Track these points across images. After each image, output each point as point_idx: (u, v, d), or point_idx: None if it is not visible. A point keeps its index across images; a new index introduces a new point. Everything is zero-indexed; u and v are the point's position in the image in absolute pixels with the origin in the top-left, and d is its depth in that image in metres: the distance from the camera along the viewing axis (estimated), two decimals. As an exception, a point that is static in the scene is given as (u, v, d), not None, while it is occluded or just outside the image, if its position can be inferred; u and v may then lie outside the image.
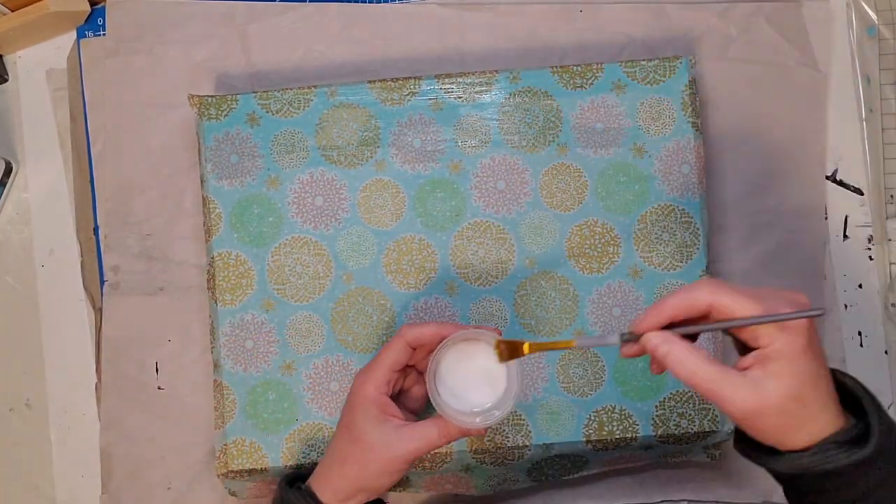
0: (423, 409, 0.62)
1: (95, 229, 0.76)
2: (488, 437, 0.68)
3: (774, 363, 0.48)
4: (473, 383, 0.58)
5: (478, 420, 0.57)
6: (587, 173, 0.70)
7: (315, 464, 0.68)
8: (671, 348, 0.49)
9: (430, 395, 0.57)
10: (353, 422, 0.58)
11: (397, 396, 0.61)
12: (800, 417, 0.48)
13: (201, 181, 0.71)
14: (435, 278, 0.69)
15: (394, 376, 0.59)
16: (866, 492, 0.48)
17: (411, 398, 0.62)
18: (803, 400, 0.48)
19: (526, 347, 0.56)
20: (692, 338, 0.52)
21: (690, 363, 0.49)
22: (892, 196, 0.75)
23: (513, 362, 0.57)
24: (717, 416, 0.67)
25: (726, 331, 0.50)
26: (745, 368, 0.49)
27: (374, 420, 0.57)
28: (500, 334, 0.58)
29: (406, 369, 0.61)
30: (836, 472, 0.48)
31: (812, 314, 0.47)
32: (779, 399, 0.47)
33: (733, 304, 0.48)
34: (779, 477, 0.52)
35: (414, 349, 0.59)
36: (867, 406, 0.49)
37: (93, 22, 0.77)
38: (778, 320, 0.47)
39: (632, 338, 0.51)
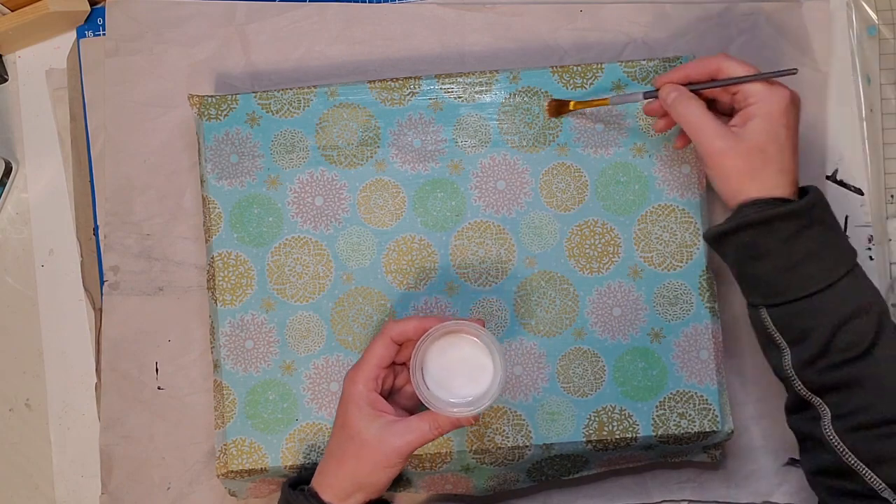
0: (417, 407, 0.62)
1: (95, 229, 0.76)
2: (488, 437, 0.68)
3: (753, 119, 0.59)
4: (458, 373, 0.59)
5: (466, 409, 0.57)
6: (587, 173, 0.70)
7: (315, 464, 0.68)
8: (679, 95, 0.61)
9: (415, 387, 0.58)
10: (346, 420, 0.59)
11: (391, 394, 0.62)
12: (758, 168, 0.58)
13: (201, 181, 0.71)
14: (435, 278, 0.69)
15: (382, 373, 0.60)
16: (798, 260, 0.56)
17: (404, 395, 0.63)
18: (766, 154, 0.58)
19: (571, 105, 0.68)
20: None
21: (689, 107, 0.60)
22: (892, 196, 0.75)
23: (497, 350, 0.58)
24: (717, 416, 0.67)
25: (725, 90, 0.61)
26: (733, 126, 0.60)
27: (366, 417, 0.58)
28: (484, 325, 0.59)
29: (396, 367, 0.62)
30: (772, 224, 0.56)
31: (784, 72, 0.59)
32: (746, 145, 0.58)
33: (736, 67, 0.60)
34: (725, 245, 0.60)
35: (400, 345, 0.60)
36: (811, 190, 0.58)
37: (92, 22, 0.77)
38: (762, 77, 0.59)
39: (653, 95, 0.64)
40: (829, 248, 0.57)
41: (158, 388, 0.74)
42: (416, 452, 0.68)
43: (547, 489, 0.73)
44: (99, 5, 0.77)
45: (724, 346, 0.69)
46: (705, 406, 0.67)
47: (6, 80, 0.79)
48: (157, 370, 0.74)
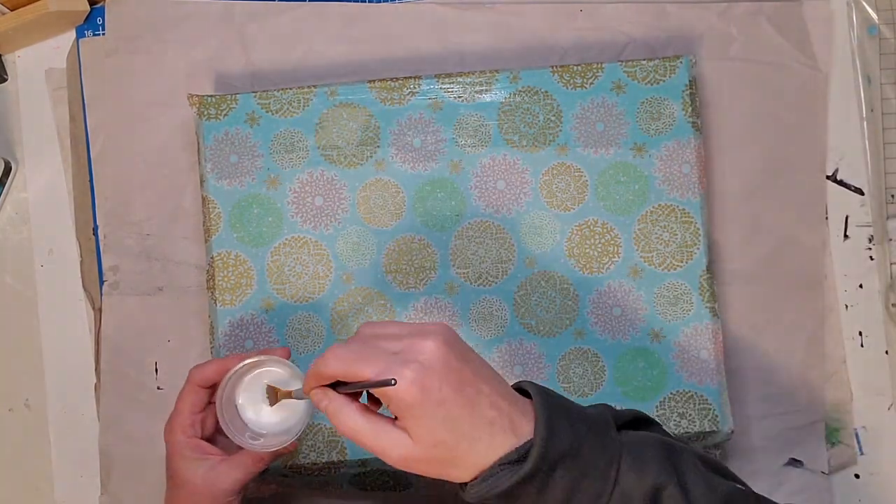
0: None
1: (95, 229, 0.76)
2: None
3: (405, 421, 0.48)
4: (263, 406, 0.61)
5: (275, 440, 0.60)
6: (587, 173, 0.70)
7: (315, 464, 0.68)
8: (330, 405, 0.51)
9: (222, 426, 0.59)
10: (174, 470, 0.61)
11: (218, 434, 0.63)
12: (449, 459, 0.49)
13: (201, 181, 0.71)
14: (435, 278, 0.69)
15: (197, 418, 0.61)
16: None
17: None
18: (445, 445, 0.48)
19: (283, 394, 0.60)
20: (359, 394, 0.52)
21: (351, 422, 0.50)
22: (892, 196, 0.75)
23: (296, 378, 0.60)
24: (717, 415, 0.67)
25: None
26: (396, 418, 0.49)
27: (192, 462, 0.60)
28: (289, 355, 0.61)
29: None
30: (512, 494, 0.48)
31: (381, 383, 0.47)
32: (420, 450, 0.48)
33: (352, 373, 0.49)
34: None
35: (210, 387, 0.61)
36: (538, 419, 0.48)
37: (92, 21, 0.77)
38: (361, 388, 0.49)
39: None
40: (581, 483, 0.48)
41: (158, 388, 0.74)
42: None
43: (547, 489, 0.73)
44: (98, 5, 0.77)
45: (724, 346, 0.69)
46: (705, 406, 0.67)
47: (6, 80, 0.79)
48: (156, 370, 0.74)
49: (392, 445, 0.49)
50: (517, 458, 0.48)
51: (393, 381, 0.47)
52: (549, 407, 0.49)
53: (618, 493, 0.48)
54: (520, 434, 0.49)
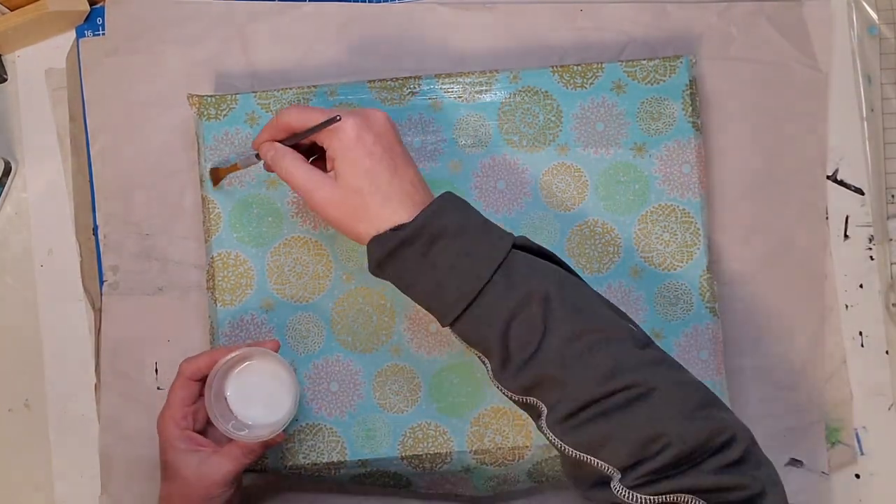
0: None
1: (95, 229, 0.76)
2: (488, 437, 0.68)
3: (336, 162, 0.57)
4: (259, 396, 0.63)
5: (262, 431, 0.61)
6: (587, 173, 0.70)
7: (315, 464, 0.68)
8: (275, 152, 0.60)
9: (211, 418, 0.60)
10: (166, 462, 0.62)
11: (210, 429, 0.64)
12: (361, 209, 0.56)
13: (201, 181, 0.71)
14: (435, 278, 0.69)
15: (189, 411, 0.63)
16: (440, 279, 0.54)
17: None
18: (361, 193, 0.56)
19: (221, 172, 0.68)
20: (310, 154, 0.62)
21: (289, 165, 0.59)
22: (893, 196, 0.75)
23: (286, 371, 0.62)
24: (717, 416, 0.67)
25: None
26: (330, 172, 0.58)
27: (184, 454, 0.61)
28: (278, 347, 0.63)
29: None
30: (396, 255, 0.55)
31: (327, 122, 0.56)
32: (340, 193, 0.57)
33: (296, 115, 0.59)
34: (384, 280, 0.58)
35: (201, 380, 0.62)
36: (432, 202, 0.56)
37: (92, 21, 0.77)
38: (308, 134, 0.58)
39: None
40: (465, 256, 0.54)
41: (158, 388, 0.74)
42: (415, 453, 0.68)
43: (547, 490, 0.73)
44: (98, 5, 0.77)
45: (724, 346, 0.69)
46: (705, 406, 0.67)
47: (5, 80, 0.79)
48: (156, 370, 0.74)
49: (318, 187, 0.57)
50: (398, 236, 0.55)
51: (338, 118, 0.56)
52: (449, 200, 0.57)
53: (496, 282, 0.54)
54: (413, 213, 0.56)
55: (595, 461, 0.50)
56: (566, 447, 0.52)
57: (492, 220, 0.69)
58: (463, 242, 0.55)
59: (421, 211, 0.55)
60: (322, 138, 0.58)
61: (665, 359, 0.54)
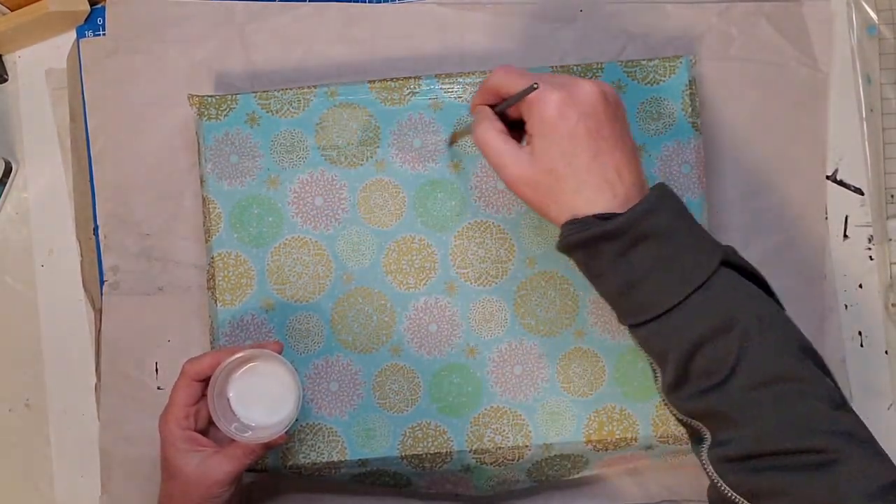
0: None
1: (95, 229, 0.76)
2: (488, 437, 0.68)
3: (534, 139, 0.53)
4: (262, 397, 0.63)
5: (261, 433, 0.61)
6: (587, 173, 0.70)
7: (314, 464, 0.68)
8: (475, 118, 0.56)
9: (213, 418, 0.60)
10: (167, 461, 0.62)
11: (211, 429, 0.64)
12: (554, 191, 0.52)
13: (201, 181, 0.71)
14: (435, 278, 0.69)
15: (191, 411, 0.62)
16: (635, 280, 0.51)
17: None
18: (556, 174, 0.52)
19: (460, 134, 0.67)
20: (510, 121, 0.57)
21: (483, 133, 0.55)
22: (892, 196, 0.75)
23: (289, 373, 0.62)
24: (717, 416, 0.67)
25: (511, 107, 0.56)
26: (527, 148, 0.54)
27: (185, 454, 0.61)
28: (281, 349, 0.63)
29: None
30: (593, 246, 0.51)
31: (526, 91, 0.52)
32: (533, 171, 0.52)
33: (509, 84, 0.54)
34: (570, 255, 0.54)
35: (203, 381, 0.62)
36: (646, 197, 0.51)
37: (92, 21, 0.77)
38: (511, 103, 0.54)
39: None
40: (668, 265, 0.50)
41: (158, 388, 0.74)
42: (415, 452, 0.68)
43: (547, 489, 0.73)
44: (99, 5, 0.77)
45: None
46: (705, 406, 0.67)
47: (6, 80, 0.79)
48: (156, 370, 0.74)
49: (512, 162, 0.53)
50: (611, 219, 0.51)
51: (536, 85, 0.52)
52: (664, 198, 0.52)
53: (695, 301, 0.50)
54: (624, 204, 0.51)
55: None
56: (723, 484, 0.49)
57: (492, 220, 0.70)
58: (668, 249, 0.50)
59: (633, 207, 0.51)
60: (523, 110, 0.53)
61: (858, 428, 0.50)
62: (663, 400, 0.54)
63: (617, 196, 0.51)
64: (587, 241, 0.51)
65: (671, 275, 0.50)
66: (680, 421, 0.53)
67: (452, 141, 0.69)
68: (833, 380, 0.51)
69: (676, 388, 0.51)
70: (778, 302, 0.54)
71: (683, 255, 0.51)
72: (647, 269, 0.50)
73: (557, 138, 0.51)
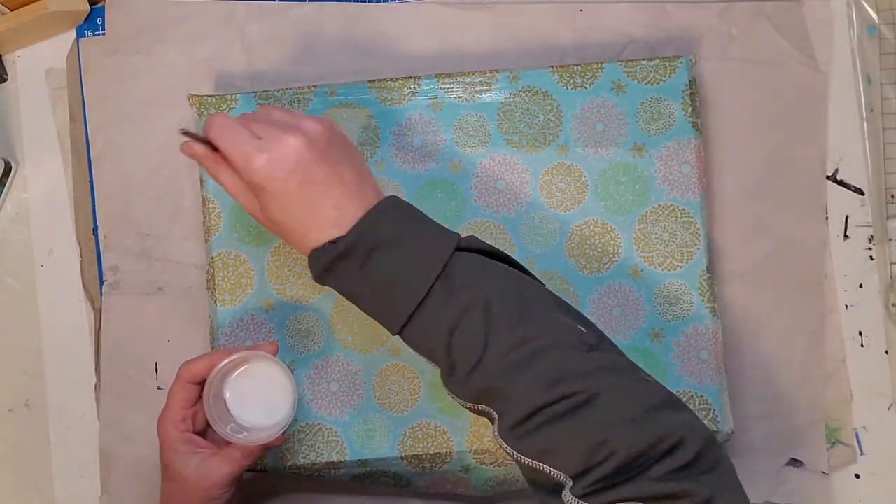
0: None
1: (95, 229, 0.76)
2: (488, 437, 0.68)
3: (256, 195, 0.56)
4: (249, 401, 0.63)
5: (258, 435, 0.61)
6: (587, 173, 0.70)
7: (314, 464, 0.68)
8: (209, 165, 0.58)
9: (209, 421, 0.61)
10: (166, 464, 0.62)
11: (209, 431, 0.64)
12: (288, 236, 0.57)
13: (201, 181, 0.71)
14: (435, 278, 0.69)
15: (188, 413, 0.62)
16: (382, 292, 0.54)
17: None
18: (281, 225, 0.56)
19: None
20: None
21: (228, 176, 0.57)
22: (892, 196, 0.75)
23: (285, 374, 0.62)
24: (717, 416, 0.67)
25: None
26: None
27: (184, 456, 0.61)
28: (277, 350, 0.62)
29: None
30: (334, 269, 0.55)
31: (210, 145, 0.56)
32: (265, 220, 0.57)
33: (221, 140, 0.56)
34: (326, 284, 0.57)
35: (200, 383, 0.62)
36: (366, 214, 0.55)
37: (92, 21, 0.77)
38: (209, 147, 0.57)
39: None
40: (404, 267, 0.53)
41: (158, 388, 0.74)
42: (415, 452, 0.68)
43: (547, 489, 0.73)
44: (98, 5, 0.77)
45: (723, 347, 0.69)
46: (705, 406, 0.67)
47: (6, 80, 0.79)
48: (156, 370, 0.74)
49: (249, 205, 0.58)
50: (328, 255, 0.55)
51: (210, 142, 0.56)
52: (387, 208, 0.56)
53: (437, 291, 0.53)
54: (348, 227, 0.55)
55: (548, 468, 0.50)
56: (518, 455, 0.51)
57: (492, 220, 0.70)
58: (400, 253, 0.54)
59: (356, 223, 0.54)
60: (240, 168, 0.55)
61: (615, 362, 0.53)
62: (450, 396, 0.56)
63: (342, 226, 0.55)
64: (328, 267, 0.55)
65: (409, 275, 0.53)
66: (473, 412, 0.55)
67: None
68: (587, 324, 0.55)
69: (450, 378, 0.54)
70: (526, 272, 0.57)
71: (415, 253, 0.54)
72: (387, 276, 0.54)
73: (272, 197, 0.55)
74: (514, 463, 0.68)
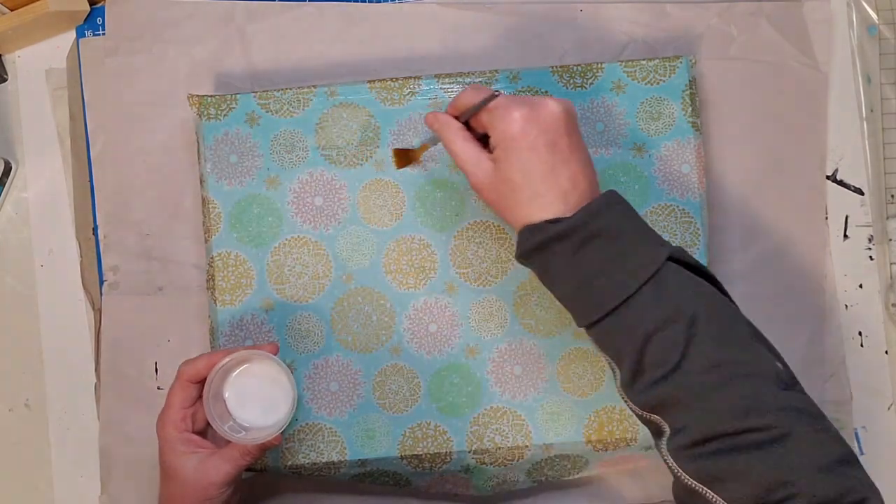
0: None
1: (95, 229, 0.76)
2: (488, 437, 0.68)
3: (497, 150, 0.56)
4: (249, 401, 0.63)
5: (260, 433, 0.61)
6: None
7: (314, 464, 0.68)
8: (440, 125, 0.60)
9: (209, 420, 0.61)
10: (165, 463, 0.62)
11: (209, 430, 0.65)
12: (511, 199, 0.56)
13: (201, 181, 0.71)
14: (435, 278, 0.69)
15: (187, 413, 0.63)
16: (586, 280, 0.53)
17: None
18: (513, 184, 0.55)
19: (417, 153, 0.68)
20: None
21: (452, 137, 0.59)
22: (892, 196, 0.75)
23: (284, 374, 0.62)
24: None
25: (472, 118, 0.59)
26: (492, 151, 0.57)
27: (182, 456, 0.61)
28: (277, 350, 0.63)
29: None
30: (547, 247, 0.54)
31: (487, 98, 0.57)
32: (493, 179, 0.57)
33: (476, 99, 0.58)
34: (528, 262, 0.57)
35: (199, 382, 0.62)
36: (592, 201, 0.55)
37: (92, 21, 0.77)
38: (473, 112, 0.58)
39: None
40: (618, 261, 0.53)
41: (158, 388, 0.74)
42: (415, 452, 0.68)
43: (547, 489, 0.73)
44: (99, 5, 0.77)
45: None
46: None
47: (6, 80, 0.79)
48: (156, 370, 0.74)
49: (476, 169, 0.57)
50: (552, 230, 0.54)
51: (497, 93, 0.57)
52: (611, 201, 0.55)
53: (644, 294, 0.52)
54: (575, 209, 0.54)
55: (712, 495, 0.48)
56: (683, 474, 0.50)
57: (492, 220, 0.69)
58: (617, 246, 0.53)
59: (582, 208, 0.54)
60: (486, 123, 0.57)
61: (808, 405, 0.51)
62: (623, 399, 0.55)
63: (569, 203, 0.55)
64: (540, 244, 0.54)
65: (621, 270, 0.53)
66: (641, 419, 0.54)
67: (407, 160, 0.69)
68: (784, 363, 0.53)
69: (633, 382, 0.53)
70: (727, 295, 0.56)
71: (632, 251, 0.53)
72: (597, 267, 0.53)
73: (518, 151, 0.55)
74: (513, 462, 0.68)
